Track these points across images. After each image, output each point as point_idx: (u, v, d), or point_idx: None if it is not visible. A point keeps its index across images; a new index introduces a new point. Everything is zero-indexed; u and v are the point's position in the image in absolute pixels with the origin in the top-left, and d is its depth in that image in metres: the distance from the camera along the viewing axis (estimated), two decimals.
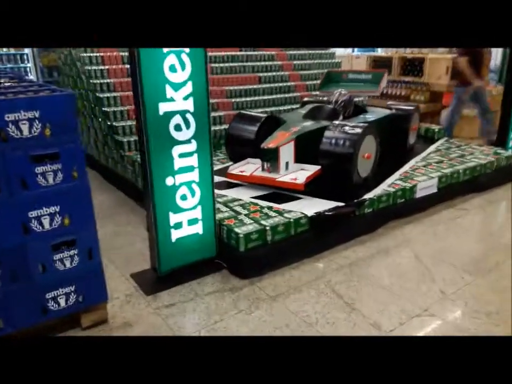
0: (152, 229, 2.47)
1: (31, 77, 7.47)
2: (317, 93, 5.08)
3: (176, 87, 2.34)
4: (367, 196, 3.27)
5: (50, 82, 6.10)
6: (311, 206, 3.06)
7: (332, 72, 4.85)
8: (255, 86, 5.26)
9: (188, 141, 2.44)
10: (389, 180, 3.64)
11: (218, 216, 2.85)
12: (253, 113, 4.05)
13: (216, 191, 3.25)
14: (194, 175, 2.51)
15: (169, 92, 2.32)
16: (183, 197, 2.50)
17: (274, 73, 5.55)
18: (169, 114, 2.35)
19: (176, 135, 2.39)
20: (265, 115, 3.88)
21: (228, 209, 2.99)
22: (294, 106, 5.33)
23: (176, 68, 2.33)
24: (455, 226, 3.44)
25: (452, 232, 3.32)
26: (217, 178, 3.57)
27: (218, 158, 4.25)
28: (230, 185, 3.46)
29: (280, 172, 3.34)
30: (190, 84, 2.38)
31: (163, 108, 2.32)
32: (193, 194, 2.53)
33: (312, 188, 3.29)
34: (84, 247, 2.05)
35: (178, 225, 2.52)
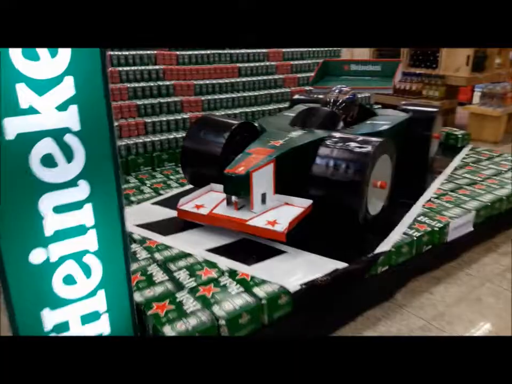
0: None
1: None
2: (311, 89, 3.99)
3: (41, 87, 1.26)
4: (381, 248, 2.20)
5: None
6: (296, 269, 2.00)
7: (329, 62, 3.75)
8: (232, 80, 4.16)
9: (70, 183, 1.36)
10: (409, 216, 2.58)
11: (145, 295, 1.79)
12: (220, 118, 2.97)
13: (157, 237, 2.21)
14: (87, 241, 1.44)
15: (26, 96, 1.24)
16: (68, 280, 1.43)
17: (257, 64, 4.44)
18: (29, 138, 1.27)
19: (45, 174, 1.31)
20: (237, 121, 2.79)
21: (166, 278, 1.92)
22: (282, 106, 4.25)
23: (38, 53, 1.25)
24: (507, 283, 2.39)
25: (506, 299, 2.27)
26: (166, 212, 2.51)
27: (178, 178, 3.18)
28: (182, 225, 2.39)
29: (254, 208, 2.26)
30: (69, 81, 1.30)
31: (15, 126, 1.24)
32: (87, 272, 1.46)
33: (299, 235, 2.24)
34: None
35: (61, 328, 1.45)
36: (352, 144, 2.29)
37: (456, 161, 3.72)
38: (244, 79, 4.23)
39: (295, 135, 2.63)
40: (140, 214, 2.57)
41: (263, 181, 2.28)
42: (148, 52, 3.82)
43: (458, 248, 2.64)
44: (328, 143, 2.34)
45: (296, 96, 3.88)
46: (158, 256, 2.10)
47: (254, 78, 4.31)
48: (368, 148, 2.23)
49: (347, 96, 3.04)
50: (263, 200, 2.32)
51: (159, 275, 1.94)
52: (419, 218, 2.56)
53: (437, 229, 2.45)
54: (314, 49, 5.00)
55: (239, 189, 2.22)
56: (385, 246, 2.22)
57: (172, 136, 3.48)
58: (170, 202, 2.62)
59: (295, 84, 4.58)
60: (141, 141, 3.34)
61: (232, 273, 1.96)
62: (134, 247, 2.18)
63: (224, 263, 2.04)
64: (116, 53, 3.65)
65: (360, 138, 2.33)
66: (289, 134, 2.63)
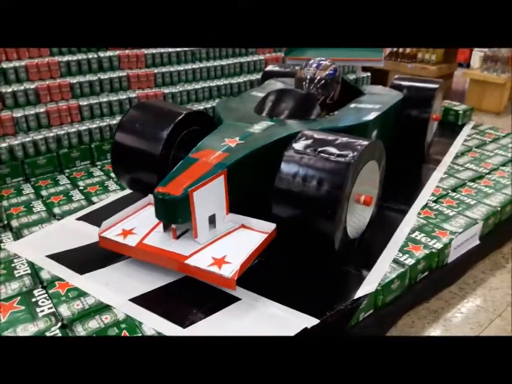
0: None
1: None
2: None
3: None
4: (364, 289, 1.67)
5: None
6: (249, 332, 1.47)
7: None
8: (193, 48, 3.46)
9: None
10: (401, 232, 2.04)
11: None
12: (163, 105, 2.34)
13: (71, 276, 1.78)
14: None
15: None
16: None
17: None
18: None
19: None
20: (184, 111, 2.18)
21: None
22: (254, 78, 3.60)
23: None
24: None
25: None
26: (92, 233, 1.94)
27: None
28: (108, 254, 1.83)
29: (198, 238, 1.70)
30: None
31: None
32: None
33: (260, 268, 1.71)
34: None
35: None
36: (327, 149, 1.70)
37: (457, 145, 3.16)
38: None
39: (258, 129, 2.03)
40: (58, 236, 2.01)
41: (210, 200, 1.71)
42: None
43: (460, 268, 2.13)
44: (295, 147, 1.75)
45: (269, 68, 3.23)
46: (64, 311, 1.55)
47: None
48: (349, 156, 1.65)
49: (327, 72, 2.42)
50: (212, 222, 1.76)
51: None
52: (413, 235, 2.03)
53: (435, 251, 1.93)
54: None
55: (174, 215, 1.64)
56: (369, 284, 1.69)
57: (114, 122, 2.85)
58: (101, 216, 2.02)
59: (270, 50, 3.89)
60: (74, 130, 2.71)
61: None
62: (38, 294, 1.64)
63: (151, 322, 1.50)
64: None
65: (339, 139, 1.74)
66: (251, 128, 2.03)
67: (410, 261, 1.84)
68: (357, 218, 1.86)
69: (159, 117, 2.14)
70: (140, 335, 1.45)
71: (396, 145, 2.72)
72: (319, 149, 1.70)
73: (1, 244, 1.93)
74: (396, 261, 1.85)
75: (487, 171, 2.71)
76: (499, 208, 2.27)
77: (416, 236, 2.03)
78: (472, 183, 2.54)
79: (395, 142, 2.70)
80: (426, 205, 2.29)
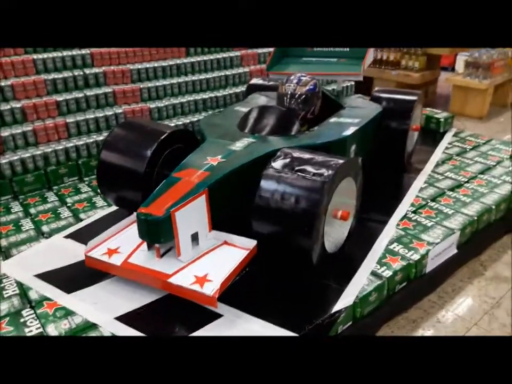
0: None
1: None
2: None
3: None
4: (342, 302, 1.73)
5: None
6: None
7: None
8: (178, 61, 3.52)
9: None
10: (379, 245, 2.11)
11: None
12: (148, 124, 2.39)
13: (59, 295, 1.81)
14: None
15: None
16: None
17: None
18: None
19: None
20: (168, 129, 2.23)
21: None
22: (239, 90, 3.66)
23: None
24: (498, 326, 1.98)
25: None
26: (79, 251, 1.98)
27: None
28: (94, 273, 1.87)
29: (181, 256, 1.76)
30: None
31: None
32: None
33: (242, 285, 1.77)
34: None
35: None
36: (304, 168, 1.76)
37: (438, 153, 3.24)
38: (192, 60, 3.59)
39: (240, 146, 2.09)
40: (46, 255, 2.05)
41: (193, 219, 1.77)
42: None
43: (438, 277, 2.20)
44: (274, 166, 1.81)
45: (253, 81, 3.30)
46: (51, 331, 1.60)
47: (205, 58, 3.67)
48: (324, 174, 1.72)
49: (307, 88, 2.48)
50: (195, 240, 1.82)
51: None
52: (391, 247, 2.09)
53: (413, 262, 2.00)
54: None
55: (156, 235, 1.70)
56: (346, 298, 1.76)
57: (101, 138, 2.89)
58: (88, 234, 2.08)
59: (255, 61, 3.96)
60: (61, 147, 2.76)
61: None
62: (26, 315, 1.68)
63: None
64: None
65: (315, 158, 1.81)
66: (233, 146, 2.09)
67: (387, 273, 1.91)
68: (335, 233, 1.92)
69: (143, 135, 2.20)
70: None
71: (376, 156, 2.81)
72: (296, 168, 1.77)
73: None
74: (373, 273, 1.91)
75: (466, 179, 2.78)
76: (476, 218, 2.35)
77: (394, 247, 2.09)
78: (451, 192, 2.62)
79: (375, 154, 2.79)
80: (405, 216, 2.36)
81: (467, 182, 2.76)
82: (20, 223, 2.31)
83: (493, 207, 2.46)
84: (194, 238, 1.81)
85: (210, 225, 1.87)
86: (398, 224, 2.28)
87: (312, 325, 1.61)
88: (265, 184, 1.77)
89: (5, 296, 1.78)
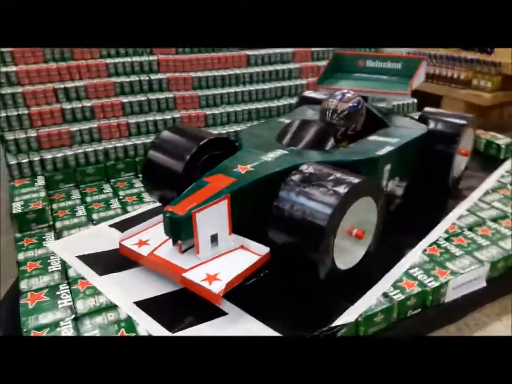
0: None
1: None
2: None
3: None
4: (344, 318, 1.77)
5: None
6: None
7: (341, 56, 3.18)
8: (238, 71, 3.71)
9: None
10: (399, 268, 2.10)
11: None
12: (192, 130, 2.58)
13: (92, 276, 2.03)
14: None
15: None
16: None
17: (271, 51, 3.93)
18: None
19: None
20: (209, 136, 2.40)
21: None
22: (293, 101, 3.76)
23: None
24: None
25: None
26: (117, 235, 2.20)
27: None
28: (126, 261, 2.09)
29: (200, 254, 1.91)
30: None
31: None
32: None
33: (255, 288, 1.88)
34: None
35: None
36: (320, 183, 1.83)
37: (491, 181, 3.09)
38: (251, 70, 3.76)
39: (271, 157, 2.20)
40: (90, 240, 2.31)
41: (213, 221, 1.91)
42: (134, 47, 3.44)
43: (460, 309, 2.13)
44: (292, 178, 1.90)
45: (305, 93, 3.38)
46: (79, 306, 1.83)
47: (264, 68, 3.83)
48: (337, 192, 1.77)
49: (349, 105, 2.53)
50: (214, 241, 1.96)
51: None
52: (411, 271, 2.08)
53: (429, 289, 1.97)
54: None
55: (178, 232, 1.86)
56: (350, 314, 1.79)
57: None
58: (130, 225, 2.30)
59: (314, 74, 4.04)
60: (121, 144, 3.05)
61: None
62: (62, 289, 1.93)
63: (145, 325, 1.73)
64: None
65: (333, 175, 1.86)
66: (265, 156, 2.20)
67: (399, 296, 1.90)
68: (349, 250, 1.96)
69: (185, 140, 2.38)
70: (134, 334, 1.68)
71: (419, 179, 2.77)
72: (313, 182, 1.84)
73: (43, 242, 2.27)
74: (385, 295, 1.92)
75: None
76: (511, 253, 2.24)
77: (414, 272, 2.07)
78: (492, 223, 2.50)
79: (419, 176, 2.75)
80: (435, 242, 2.31)
81: None
82: (75, 209, 2.62)
83: None
84: (214, 239, 1.95)
85: (230, 229, 2.00)
86: (425, 250, 2.25)
87: (309, 335, 1.67)
88: (282, 195, 1.86)
89: (49, 270, 2.05)
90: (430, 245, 2.29)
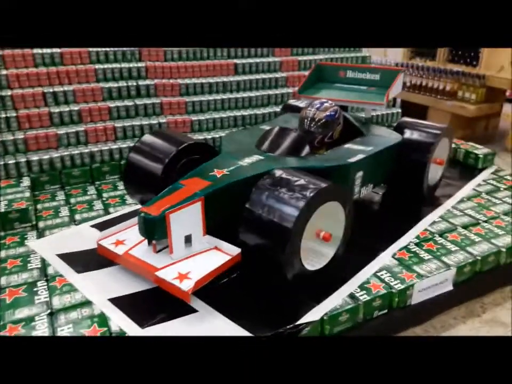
0: None
1: None
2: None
3: None
4: (308, 317, 1.85)
5: None
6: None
7: (323, 66, 3.28)
8: (224, 79, 3.81)
9: None
10: (367, 271, 2.18)
11: None
12: (173, 134, 2.66)
13: (70, 274, 2.10)
14: None
15: None
16: None
17: (259, 60, 4.04)
18: None
19: None
20: (188, 141, 2.48)
21: (46, 334, 1.69)
22: (278, 109, 3.85)
23: None
24: None
25: None
26: (97, 235, 2.28)
27: None
28: (104, 260, 2.15)
29: (173, 254, 1.98)
30: None
31: None
32: None
33: (227, 288, 1.95)
34: None
35: None
36: (288, 187, 1.91)
37: (467, 189, 3.18)
38: (238, 78, 3.86)
39: (247, 163, 2.28)
40: (71, 239, 2.38)
41: (187, 222, 1.98)
42: (132, 48, 3.55)
43: (426, 311, 2.20)
44: (262, 183, 1.99)
45: (289, 102, 3.47)
46: (55, 301, 1.89)
47: (252, 77, 3.92)
48: (303, 195, 1.85)
49: (326, 113, 2.61)
50: (188, 241, 2.03)
51: (39, 331, 1.73)
52: (379, 274, 2.15)
53: (395, 291, 2.04)
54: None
55: (152, 232, 1.94)
56: (316, 313, 1.87)
57: None
58: (111, 226, 2.35)
59: (300, 83, 4.12)
60: (106, 148, 3.13)
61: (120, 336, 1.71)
62: (40, 285, 2.00)
63: (118, 320, 1.79)
64: (95, 49, 3.41)
65: (301, 180, 1.95)
66: (241, 161, 2.29)
67: (365, 297, 1.98)
68: (317, 252, 2.04)
69: (165, 144, 2.46)
70: (106, 329, 1.74)
71: (394, 186, 2.86)
72: (281, 186, 1.92)
73: (25, 241, 2.34)
74: (351, 296, 1.99)
75: (486, 219, 2.73)
76: (479, 258, 2.32)
77: (382, 274, 2.15)
78: (463, 230, 2.59)
79: (394, 184, 2.84)
80: (405, 247, 2.39)
81: (486, 221, 2.70)
82: (59, 210, 2.68)
83: (503, 249, 2.40)
84: (188, 239, 2.02)
85: (204, 230, 2.07)
86: (394, 254, 2.32)
87: (273, 332, 1.74)
88: (252, 198, 1.94)
89: (28, 268, 2.11)
90: (400, 249, 2.37)
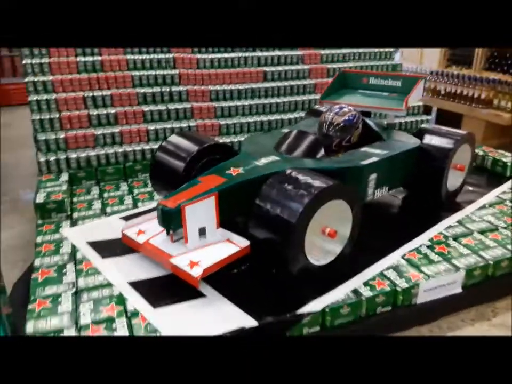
0: None
1: None
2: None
3: None
4: (310, 307, 1.94)
5: None
6: (198, 321, 1.85)
7: (347, 74, 3.36)
8: (253, 85, 3.96)
9: None
10: (373, 268, 2.23)
11: (37, 327, 1.79)
12: (196, 135, 2.83)
13: (96, 259, 2.29)
14: None
15: None
16: None
17: (288, 67, 4.17)
18: None
19: None
20: (210, 142, 2.65)
21: (68, 310, 1.88)
22: (304, 114, 3.96)
23: None
24: None
25: None
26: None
27: None
28: (128, 248, 2.34)
29: (188, 244, 2.13)
30: None
31: None
32: None
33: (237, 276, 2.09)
34: None
35: None
36: (295, 185, 2.02)
37: (491, 196, 3.14)
38: (267, 85, 4.01)
39: (263, 163, 2.41)
40: (99, 229, 2.60)
41: (202, 215, 2.13)
42: (167, 56, 3.79)
43: (432, 311, 2.22)
44: (272, 180, 2.11)
45: (315, 107, 3.58)
46: (81, 282, 2.09)
47: (280, 84, 4.06)
48: (307, 193, 1.96)
49: (344, 118, 2.70)
50: (203, 233, 2.18)
51: (64, 306, 1.93)
52: (385, 272, 2.21)
53: (400, 289, 2.09)
54: (361, 50, 4.56)
55: (168, 223, 2.10)
56: (317, 304, 1.95)
57: None
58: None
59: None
60: (139, 148, 3.36)
61: (133, 315, 1.88)
62: (68, 267, 2.21)
63: (134, 301, 1.96)
64: (132, 57, 3.68)
65: (308, 178, 2.05)
66: (257, 161, 2.42)
67: (368, 293, 2.04)
68: (323, 248, 2.13)
69: (188, 143, 2.64)
70: (122, 307, 1.92)
71: (414, 190, 2.90)
72: (289, 184, 2.03)
73: (60, 229, 2.58)
74: (355, 291, 2.06)
75: (505, 225, 2.70)
76: (491, 262, 2.31)
77: (388, 273, 2.20)
78: (479, 235, 2.58)
79: (413, 187, 2.88)
80: (416, 249, 2.43)
81: (505, 228, 2.67)
82: (92, 203, 2.92)
83: None
84: (202, 231, 2.17)
85: (218, 223, 2.21)
86: (404, 255, 2.37)
87: (273, 318, 1.85)
88: (262, 195, 2.07)
89: (60, 252, 2.34)
90: (411, 251, 2.40)
